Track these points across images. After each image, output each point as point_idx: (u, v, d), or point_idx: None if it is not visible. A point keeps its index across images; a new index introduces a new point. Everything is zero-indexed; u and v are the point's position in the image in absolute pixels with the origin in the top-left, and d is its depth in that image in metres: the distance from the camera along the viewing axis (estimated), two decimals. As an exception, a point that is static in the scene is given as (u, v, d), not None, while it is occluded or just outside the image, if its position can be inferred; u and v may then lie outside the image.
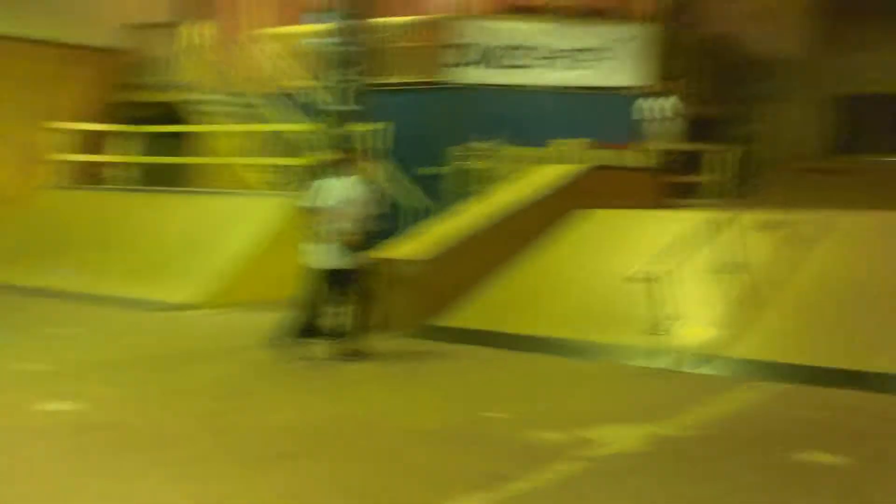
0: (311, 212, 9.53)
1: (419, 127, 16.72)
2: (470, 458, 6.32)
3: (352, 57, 13.82)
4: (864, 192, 13.41)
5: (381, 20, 17.13)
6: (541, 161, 15.08)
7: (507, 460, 6.23)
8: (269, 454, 6.32)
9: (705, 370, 9.02)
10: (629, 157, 15.72)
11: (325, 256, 9.39)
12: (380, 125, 14.51)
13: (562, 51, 17.40)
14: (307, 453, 6.40)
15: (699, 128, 17.90)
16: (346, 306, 9.57)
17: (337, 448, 6.56)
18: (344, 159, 9.90)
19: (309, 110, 15.00)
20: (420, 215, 15.39)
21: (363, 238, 9.47)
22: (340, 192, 9.45)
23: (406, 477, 5.94)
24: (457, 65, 17.29)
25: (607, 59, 17.39)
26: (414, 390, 8.46)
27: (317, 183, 9.89)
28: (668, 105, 15.07)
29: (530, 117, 16.78)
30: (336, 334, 9.59)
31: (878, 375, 8.43)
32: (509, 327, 10.46)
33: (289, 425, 7.10)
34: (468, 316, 10.94)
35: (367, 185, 9.69)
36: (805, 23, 19.35)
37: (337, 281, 9.43)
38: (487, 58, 17.36)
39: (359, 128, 13.73)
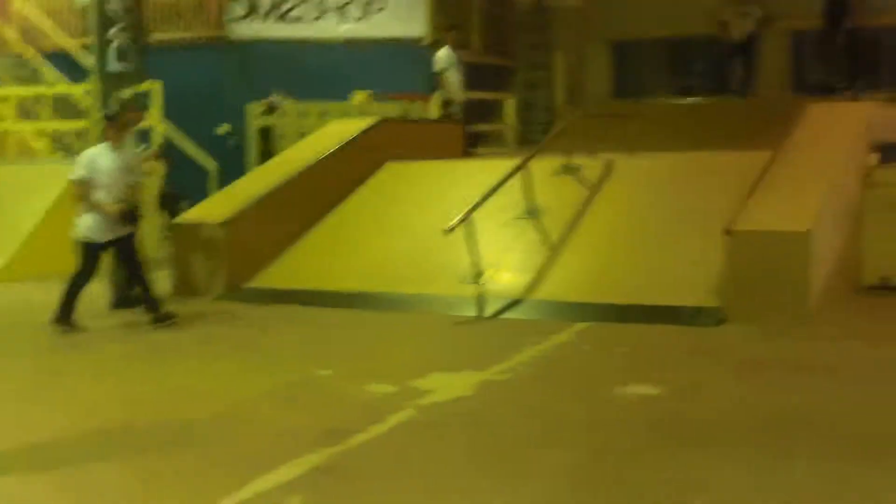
0: (78, 182, 9.28)
1: (207, 85, 16.45)
2: (308, 417, 6.37)
3: (121, 12, 13.29)
4: (647, 135, 14.03)
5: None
6: (339, 115, 15.13)
7: (345, 415, 6.33)
8: (107, 429, 6.18)
9: (518, 314, 9.33)
10: (427, 108, 15.91)
11: (92, 228, 9.22)
12: (155, 84, 14.11)
13: (341, 3, 17.36)
14: (144, 425, 6.30)
15: (486, 77, 18.28)
16: (133, 276, 9.54)
17: (173, 416, 6.48)
18: (109, 124, 9.48)
19: (86, 71, 14.46)
20: (215, 176, 15.20)
21: (129, 206, 9.27)
22: (103, 160, 9.23)
23: (249, 437, 5.96)
24: (240, 19, 16.99)
25: (384, 10, 17.48)
26: (236, 354, 8.40)
27: (85, 151, 9.63)
28: (452, 55, 15.27)
29: (324, 71, 16.77)
30: (140, 303, 9.53)
31: (671, 309, 8.92)
32: (326, 284, 10.45)
33: (113, 398, 6.95)
34: (282, 276, 10.90)
35: (130, 152, 9.53)
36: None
37: (113, 251, 9.41)
38: (270, 11, 17.13)
39: (132, 89, 13.28)
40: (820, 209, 8.85)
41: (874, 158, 10.55)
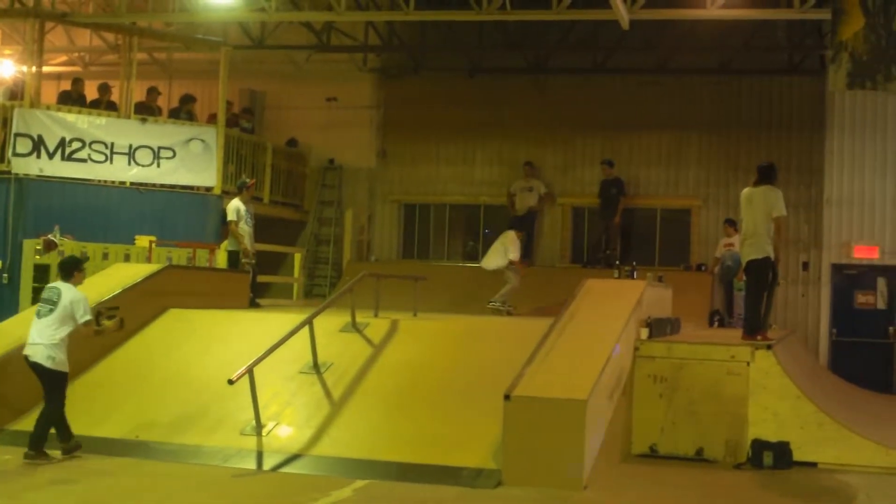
0: None
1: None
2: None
3: None
4: (432, 296, 14.34)
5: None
6: (120, 257, 14.80)
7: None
8: None
9: (299, 469, 9.18)
10: (213, 258, 15.76)
11: None
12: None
13: (131, 147, 17.12)
14: None
15: (275, 229, 18.35)
16: None
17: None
18: None
19: None
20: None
21: None
22: None
23: None
24: (25, 154, 16.44)
25: (174, 158, 17.35)
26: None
27: None
28: (243, 206, 15.25)
29: (108, 213, 16.40)
30: None
31: (451, 469, 8.97)
32: (98, 431, 10.01)
33: None
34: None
35: None
36: (373, 135, 20.52)
37: None
38: (57, 150, 16.66)
39: None
40: (597, 379, 9.18)
41: (644, 333, 11.11)
